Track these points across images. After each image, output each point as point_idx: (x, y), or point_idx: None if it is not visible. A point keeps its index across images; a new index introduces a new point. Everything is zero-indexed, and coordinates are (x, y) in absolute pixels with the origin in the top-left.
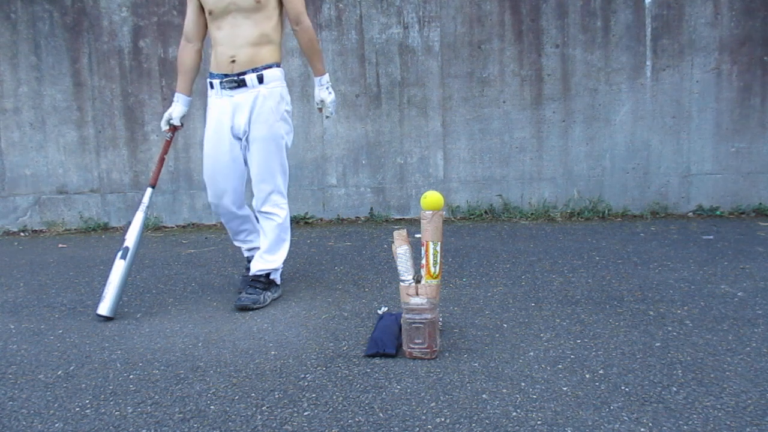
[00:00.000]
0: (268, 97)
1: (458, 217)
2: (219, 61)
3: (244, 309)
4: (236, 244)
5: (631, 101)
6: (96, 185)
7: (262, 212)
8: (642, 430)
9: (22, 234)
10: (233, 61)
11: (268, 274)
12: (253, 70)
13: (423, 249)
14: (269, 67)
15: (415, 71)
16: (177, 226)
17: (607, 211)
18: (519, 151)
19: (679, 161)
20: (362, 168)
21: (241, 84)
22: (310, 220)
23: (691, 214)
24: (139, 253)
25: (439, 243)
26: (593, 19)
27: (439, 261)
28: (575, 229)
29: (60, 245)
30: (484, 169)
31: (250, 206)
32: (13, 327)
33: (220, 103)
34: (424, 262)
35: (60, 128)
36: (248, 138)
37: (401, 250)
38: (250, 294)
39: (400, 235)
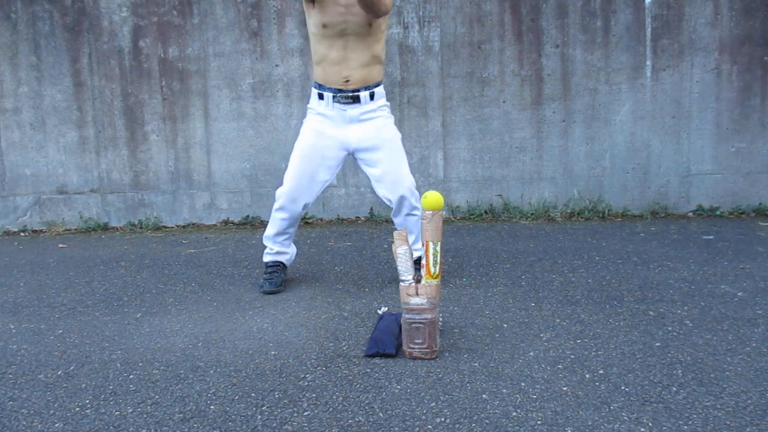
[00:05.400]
0: (381, 110)
1: (458, 217)
2: (330, 78)
3: None
4: (270, 243)
5: (631, 101)
6: (96, 185)
7: (414, 209)
8: (642, 430)
9: (22, 234)
10: (347, 81)
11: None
12: (366, 88)
13: (423, 249)
14: (378, 84)
15: (415, 71)
16: (177, 226)
17: (607, 211)
18: (519, 151)
19: (679, 161)
20: None
21: (356, 100)
22: (310, 220)
23: (691, 214)
24: (140, 253)
25: (439, 243)
26: (593, 19)
27: (439, 261)
28: (575, 229)
29: (60, 245)
30: (484, 169)
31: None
32: (13, 327)
33: (331, 114)
34: (424, 262)
35: (60, 128)
36: (371, 148)
37: (401, 250)
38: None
39: (400, 235)
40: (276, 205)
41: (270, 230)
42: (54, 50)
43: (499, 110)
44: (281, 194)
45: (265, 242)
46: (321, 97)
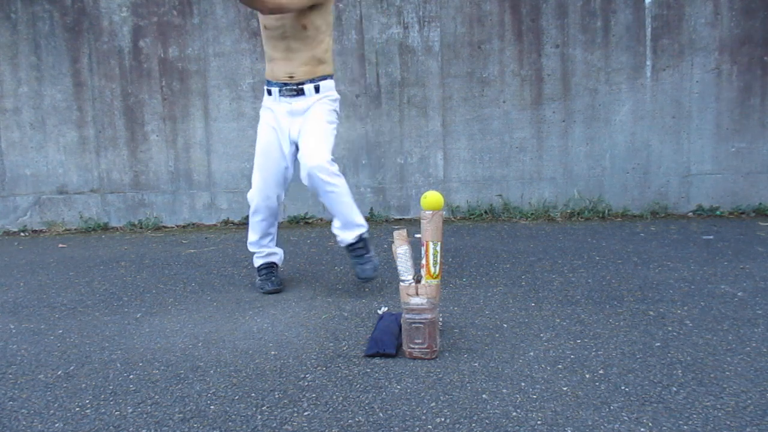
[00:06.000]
0: (322, 102)
1: (458, 217)
2: (276, 74)
3: (369, 280)
4: (256, 249)
5: (631, 101)
6: (96, 185)
7: (329, 185)
8: (642, 430)
9: (22, 234)
10: (291, 77)
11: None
12: (311, 81)
13: (423, 249)
14: (325, 78)
15: (415, 71)
16: (177, 226)
17: (607, 211)
18: (519, 151)
19: (679, 161)
20: (362, 168)
21: (300, 92)
22: (310, 220)
23: (691, 214)
24: (140, 253)
25: (439, 243)
26: (593, 19)
27: (439, 261)
28: (575, 229)
29: (60, 245)
30: (484, 169)
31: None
32: (13, 327)
33: (278, 108)
34: (424, 262)
35: (60, 128)
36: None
37: (401, 250)
38: (363, 263)
39: (400, 235)
40: (251, 210)
41: (252, 236)
42: (54, 50)
43: (499, 110)
44: (252, 196)
45: (251, 248)
46: (270, 92)
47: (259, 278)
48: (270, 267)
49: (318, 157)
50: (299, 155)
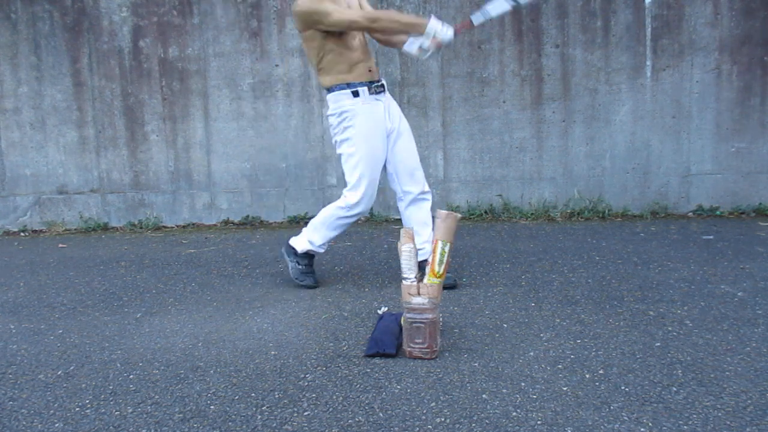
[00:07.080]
0: (332, 118)
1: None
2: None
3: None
4: (325, 247)
5: (631, 101)
6: (96, 185)
7: (423, 194)
8: (642, 430)
9: (22, 234)
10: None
11: None
12: (327, 91)
13: (431, 246)
14: (330, 90)
15: (415, 71)
16: (177, 226)
17: (607, 211)
18: (519, 151)
19: (679, 161)
20: None
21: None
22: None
23: (691, 214)
24: (139, 253)
25: (448, 244)
26: (593, 19)
27: (445, 261)
28: (575, 229)
29: (60, 245)
30: (484, 169)
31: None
32: (13, 327)
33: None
34: (430, 259)
35: (60, 128)
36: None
37: (406, 248)
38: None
39: (406, 233)
40: (354, 211)
41: (329, 234)
42: (54, 50)
43: (499, 110)
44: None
45: (322, 247)
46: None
47: (300, 266)
48: (313, 258)
49: (422, 171)
50: (411, 167)
